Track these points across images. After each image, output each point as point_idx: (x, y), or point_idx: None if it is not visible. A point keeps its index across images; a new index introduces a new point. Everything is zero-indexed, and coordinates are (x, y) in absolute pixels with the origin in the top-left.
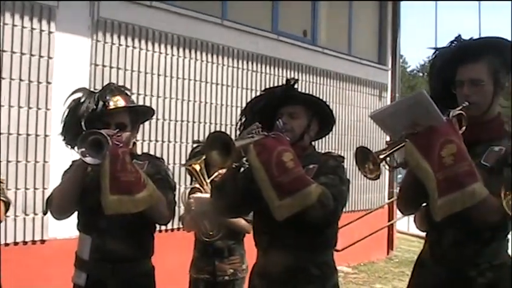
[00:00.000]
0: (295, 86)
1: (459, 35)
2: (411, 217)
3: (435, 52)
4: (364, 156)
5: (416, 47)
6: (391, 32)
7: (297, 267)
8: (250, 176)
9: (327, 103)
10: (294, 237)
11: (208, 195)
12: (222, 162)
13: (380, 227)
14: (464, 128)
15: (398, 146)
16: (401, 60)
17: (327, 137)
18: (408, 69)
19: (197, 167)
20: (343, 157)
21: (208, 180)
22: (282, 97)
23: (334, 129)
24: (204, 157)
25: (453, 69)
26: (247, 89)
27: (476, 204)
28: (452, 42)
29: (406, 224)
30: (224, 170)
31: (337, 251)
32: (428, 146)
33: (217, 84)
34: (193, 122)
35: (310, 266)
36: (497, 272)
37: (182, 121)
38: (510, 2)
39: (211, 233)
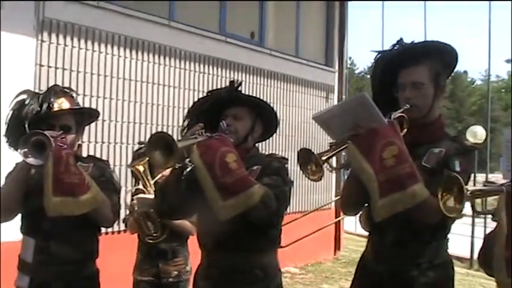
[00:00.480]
0: (240, 88)
1: (401, 39)
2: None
3: (377, 55)
4: (306, 157)
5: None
6: (338, 34)
7: (240, 268)
8: (194, 177)
9: (274, 105)
10: (237, 238)
11: (151, 196)
12: (164, 163)
13: (328, 227)
14: (405, 130)
15: (341, 148)
16: (349, 62)
17: (273, 138)
18: (356, 71)
19: (141, 168)
20: (287, 159)
21: (152, 182)
22: (227, 99)
23: (281, 131)
24: (147, 158)
25: (395, 72)
26: (194, 90)
27: (417, 205)
28: (394, 45)
29: (353, 224)
30: (168, 171)
31: (282, 247)
32: (370, 147)
33: (164, 85)
34: (140, 123)
35: (254, 267)
36: (438, 271)
37: (129, 122)
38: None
39: (154, 235)
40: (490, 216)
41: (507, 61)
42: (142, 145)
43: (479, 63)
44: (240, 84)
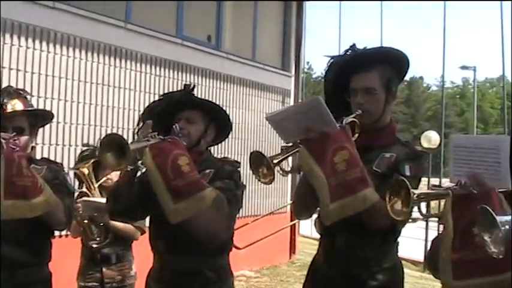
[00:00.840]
0: (194, 91)
1: (353, 44)
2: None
3: (331, 60)
4: (258, 160)
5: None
6: (295, 39)
7: (192, 271)
8: (146, 179)
9: (230, 108)
10: (189, 241)
11: (96, 199)
12: (116, 165)
13: (284, 231)
14: (357, 135)
15: (293, 151)
16: (307, 67)
17: (229, 142)
18: (314, 76)
19: (85, 171)
20: (239, 162)
21: (96, 185)
22: (180, 102)
23: (237, 134)
24: (92, 161)
25: (347, 78)
26: (150, 93)
27: (367, 209)
28: (347, 51)
29: (309, 228)
30: (114, 174)
31: (239, 248)
32: (322, 151)
33: (120, 87)
34: (95, 125)
35: (206, 270)
36: (388, 275)
37: (83, 124)
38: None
39: (98, 239)
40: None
41: (462, 67)
42: (87, 147)
43: (434, 69)
44: (194, 87)
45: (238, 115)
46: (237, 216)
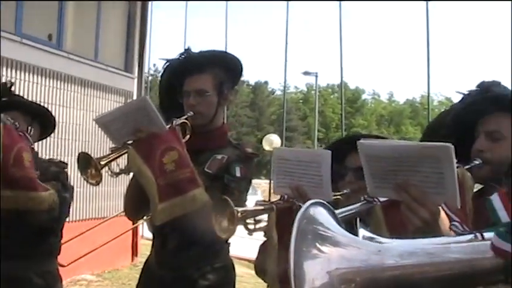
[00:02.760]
0: (13, 89)
1: (188, 48)
2: None
3: (166, 63)
4: (86, 161)
5: (170, 56)
6: (139, 40)
7: (19, 276)
8: None
9: (70, 109)
10: (15, 245)
11: None
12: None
13: (126, 233)
14: (188, 136)
15: (122, 153)
16: (153, 69)
17: (70, 143)
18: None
19: None
20: (66, 163)
21: None
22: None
23: (77, 136)
24: None
25: (181, 80)
26: None
27: (197, 210)
28: (181, 54)
29: None
30: None
31: (62, 266)
32: (150, 152)
33: None
34: None
35: (33, 275)
36: (219, 274)
37: None
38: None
39: None
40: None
41: (304, 73)
42: None
43: (279, 74)
44: (12, 84)
45: (78, 116)
46: (80, 219)
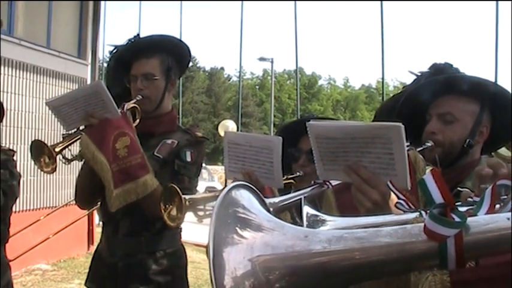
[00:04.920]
0: None
1: (138, 34)
2: None
3: (114, 49)
4: (39, 149)
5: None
6: (92, 26)
7: None
8: None
9: (22, 97)
10: None
11: None
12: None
13: (81, 221)
14: (138, 121)
15: (74, 139)
16: (108, 56)
17: (24, 131)
18: None
19: None
20: (14, 151)
21: None
22: None
23: (31, 123)
24: None
25: (128, 65)
26: None
27: (148, 195)
28: (130, 39)
29: None
30: None
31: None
32: (103, 137)
33: None
34: None
35: None
36: (171, 260)
37: None
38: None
39: None
40: None
41: (260, 59)
42: None
43: (235, 60)
44: None
45: (31, 104)
46: (34, 208)
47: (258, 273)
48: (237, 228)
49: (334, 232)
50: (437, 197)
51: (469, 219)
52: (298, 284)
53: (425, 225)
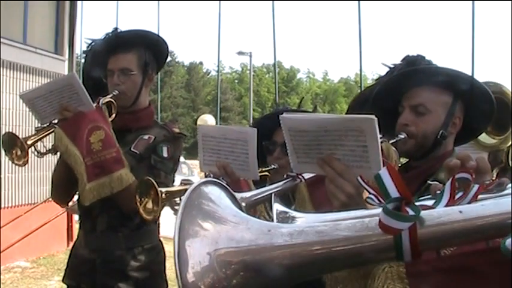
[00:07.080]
0: None
1: (116, 28)
2: None
3: (91, 43)
4: (11, 141)
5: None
6: (69, 21)
7: None
8: None
9: None
10: None
11: None
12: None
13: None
14: (114, 115)
15: (47, 132)
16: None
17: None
18: None
19: None
20: None
21: None
22: None
23: (7, 121)
24: None
25: (105, 59)
26: None
27: (123, 190)
28: (108, 34)
29: None
30: None
31: None
32: (77, 131)
33: None
34: None
35: None
36: (150, 255)
37: None
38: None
39: None
40: None
41: (238, 53)
42: None
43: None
44: None
45: (7, 100)
46: (12, 205)
47: (215, 267)
48: (202, 222)
49: (295, 226)
50: (393, 191)
51: (424, 212)
52: (257, 278)
53: (379, 219)
